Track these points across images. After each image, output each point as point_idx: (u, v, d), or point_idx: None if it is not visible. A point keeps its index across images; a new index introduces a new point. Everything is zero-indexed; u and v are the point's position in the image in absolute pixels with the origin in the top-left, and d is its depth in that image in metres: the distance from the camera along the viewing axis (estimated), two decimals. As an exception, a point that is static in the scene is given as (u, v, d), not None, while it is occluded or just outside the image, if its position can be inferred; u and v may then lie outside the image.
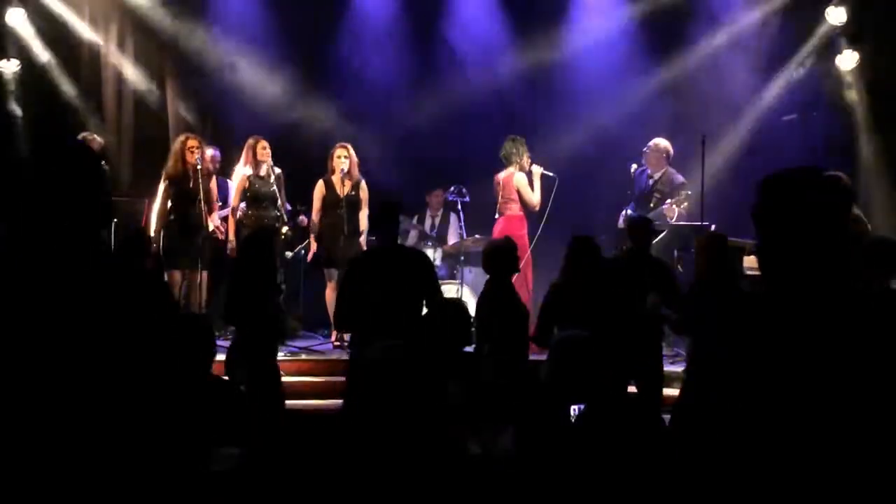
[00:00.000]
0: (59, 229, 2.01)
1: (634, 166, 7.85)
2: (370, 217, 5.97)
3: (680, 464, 2.92)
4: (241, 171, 7.56)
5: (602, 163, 8.52)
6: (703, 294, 4.98)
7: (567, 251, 5.37)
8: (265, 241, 5.57)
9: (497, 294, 5.21)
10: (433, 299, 5.21)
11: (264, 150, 7.52)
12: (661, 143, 7.75)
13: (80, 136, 7.57)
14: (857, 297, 1.82)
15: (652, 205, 7.60)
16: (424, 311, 5.10)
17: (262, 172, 7.50)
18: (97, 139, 7.78)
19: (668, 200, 7.46)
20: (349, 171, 7.46)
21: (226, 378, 4.85)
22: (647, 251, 5.78)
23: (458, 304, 4.58)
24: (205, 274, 7.27)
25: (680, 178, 7.65)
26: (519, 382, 4.27)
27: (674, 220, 7.41)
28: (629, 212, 7.65)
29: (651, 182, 7.73)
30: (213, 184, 7.54)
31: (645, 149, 7.76)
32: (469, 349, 4.69)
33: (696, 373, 4.83)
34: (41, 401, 1.90)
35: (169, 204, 7.29)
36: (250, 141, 7.56)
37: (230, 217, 7.60)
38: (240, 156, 7.68)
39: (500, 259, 5.27)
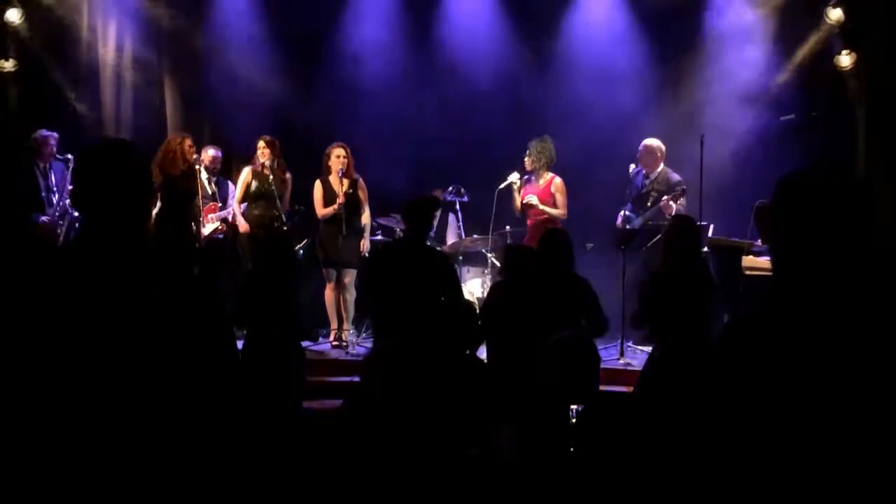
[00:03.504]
0: (116, 232, 2.03)
1: (633, 166, 7.85)
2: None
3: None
4: (246, 169, 7.70)
5: (600, 163, 8.51)
6: (664, 285, 4.94)
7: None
8: (283, 242, 5.56)
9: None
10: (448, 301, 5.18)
11: (259, 149, 7.57)
12: (653, 142, 7.75)
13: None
14: (873, 300, 1.80)
15: (649, 203, 7.60)
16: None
17: (264, 171, 7.54)
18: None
19: (665, 196, 7.45)
20: (346, 171, 7.47)
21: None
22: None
23: (467, 305, 4.56)
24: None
25: (676, 177, 7.65)
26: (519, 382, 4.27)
27: (672, 216, 7.39)
28: (627, 212, 7.65)
29: (647, 182, 7.73)
30: (204, 177, 7.56)
31: (638, 151, 7.77)
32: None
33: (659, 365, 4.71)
34: (79, 400, 1.91)
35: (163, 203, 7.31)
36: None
37: (235, 215, 7.64)
38: (237, 156, 7.74)
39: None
